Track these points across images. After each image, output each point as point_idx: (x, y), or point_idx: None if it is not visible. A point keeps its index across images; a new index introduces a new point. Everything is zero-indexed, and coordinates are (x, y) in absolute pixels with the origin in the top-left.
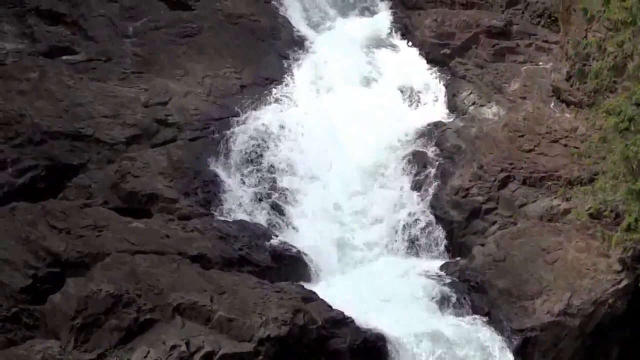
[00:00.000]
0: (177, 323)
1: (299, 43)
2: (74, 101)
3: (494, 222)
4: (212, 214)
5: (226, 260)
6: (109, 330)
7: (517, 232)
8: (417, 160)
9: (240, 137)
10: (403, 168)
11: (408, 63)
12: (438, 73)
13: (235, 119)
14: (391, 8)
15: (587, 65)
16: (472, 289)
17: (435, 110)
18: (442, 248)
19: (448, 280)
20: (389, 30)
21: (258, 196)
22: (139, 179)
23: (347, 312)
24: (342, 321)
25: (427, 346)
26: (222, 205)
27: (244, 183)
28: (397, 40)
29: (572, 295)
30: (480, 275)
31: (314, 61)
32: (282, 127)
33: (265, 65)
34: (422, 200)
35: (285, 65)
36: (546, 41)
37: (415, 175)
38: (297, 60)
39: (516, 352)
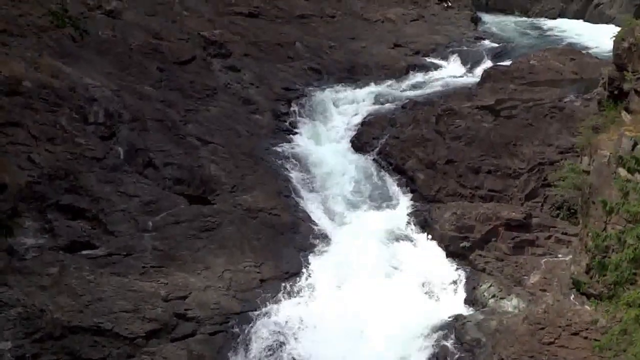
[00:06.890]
0: None
1: (319, 236)
2: (94, 296)
3: None
4: None
5: None
6: None
7: None
8: (438, 353)
9: (261, 331)
10: None
11: (428, 256)
12: (458, 266)
13: (256, 312)
14: (411, 201)
15: (607, 258)
16: None
17: (455, 302)
18: None
19: None
20: (408, 224)
21: None
22: None
23: None
24: None
25: None
26: None
27: None
28: (416, 233)
29: None
30: None
31: (334, 254)
32: (302, 320)
33: (285, 258)
34: None
35: (306, 258)
36: (565, 233)
37: None
38: (317, 253)
39: None
